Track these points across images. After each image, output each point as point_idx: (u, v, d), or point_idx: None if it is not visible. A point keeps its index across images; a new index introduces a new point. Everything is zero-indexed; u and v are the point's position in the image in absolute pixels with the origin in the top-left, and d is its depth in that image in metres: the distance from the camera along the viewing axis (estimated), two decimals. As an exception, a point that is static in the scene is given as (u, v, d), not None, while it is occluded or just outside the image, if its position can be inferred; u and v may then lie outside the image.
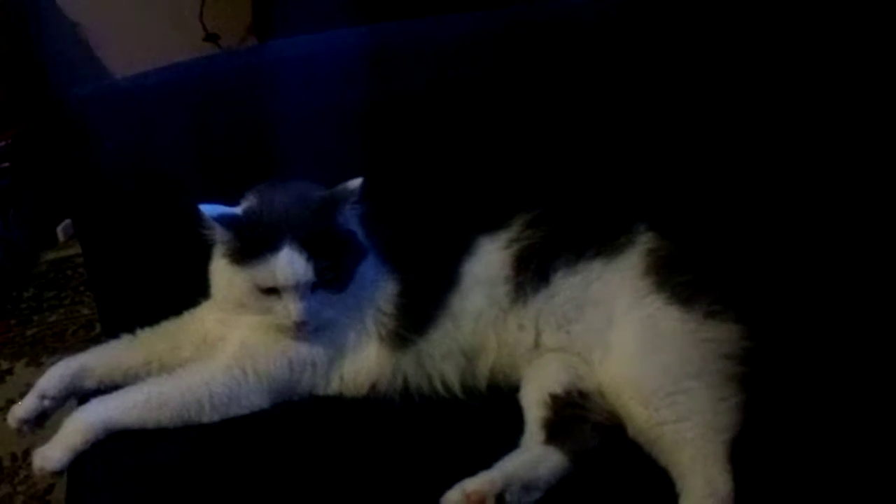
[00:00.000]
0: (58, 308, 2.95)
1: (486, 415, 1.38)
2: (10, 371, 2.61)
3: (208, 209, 1.35)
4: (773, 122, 1.63)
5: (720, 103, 1.64)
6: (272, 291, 1.35)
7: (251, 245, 1.35)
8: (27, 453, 2.23)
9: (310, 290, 1.35)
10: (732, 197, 1.63)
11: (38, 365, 2.61)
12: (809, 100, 1.63)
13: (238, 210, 1.39)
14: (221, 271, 1.40)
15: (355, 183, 1.38)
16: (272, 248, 1.33)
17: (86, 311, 2.90)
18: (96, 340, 2.62)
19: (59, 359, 2.24)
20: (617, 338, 1.37)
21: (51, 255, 3.28)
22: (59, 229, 3.33)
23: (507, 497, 1.20)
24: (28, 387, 2.39)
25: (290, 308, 1.34)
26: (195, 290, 1.49)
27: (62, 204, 3.24)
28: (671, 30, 1.69)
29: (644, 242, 1.44)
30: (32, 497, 2.14)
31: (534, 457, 1.27)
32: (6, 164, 3.05)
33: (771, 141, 1.63)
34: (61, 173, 1.62)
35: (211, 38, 3.54)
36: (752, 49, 1.65)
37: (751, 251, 1.55)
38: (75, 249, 3.21)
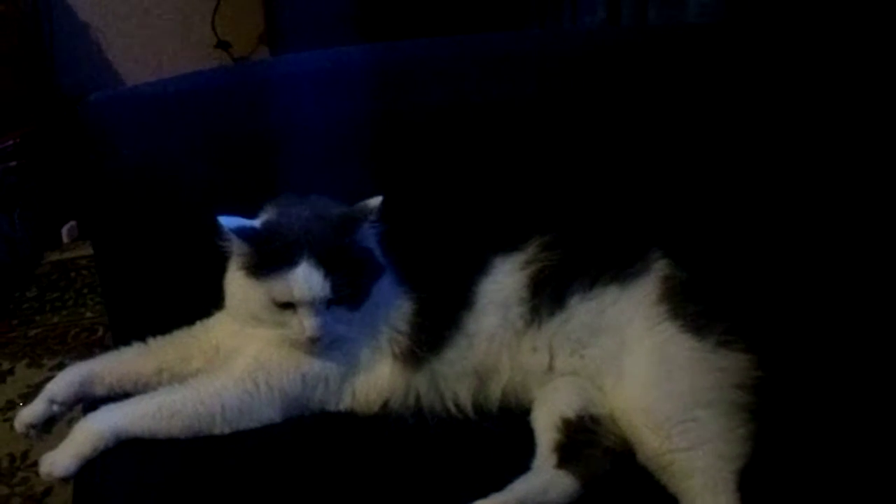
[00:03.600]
0: (60, 310, 2.95)
1: (498, 436, 1.37)
2: (10, 371, 2.60)
3: (227, 221, 1.34)
4: (790, 151, 1.64)
5: (736, 131, 1.65)
6: (287, 306, 1.35)
7: (268, 259, 1.34)
8: (26, 455, 2.22)
9: (325, 306, 1.34)
10: (747, 227, 1.63)
11: (38, 366, 2.61)
12: (827, 130, 1.63)
13: (256, 223, 1.39)
14: (237, 283, 1.40)
15: (375, 201, 1.39)
16: (290, 262, 1.33)
17: (88, 314, 2.90)
18: (98, 343, 2.66)
19: (61, 361, 2.25)
20: (630, 364, 1.37)
21: (54, 257, 3.28)
22: (64, 230, 3.34)
23: (519, 521, 1.21)
24: (29, 388, 2.43)
25: (305, 323, 1.34)
26: (208, 301, 1.49)
27: (68, 205, 3.26)
28: (689, 57, 1.70)
29: (659, 270, 1.44)
30: (30, 499, 2.13)
31: (545, 480, 1.27)
32: (13, 164, 3.06)
33: (787, 171, 1.63)
34: (75, 178, 1.61)
35: (222, 45, 3.56)
36: (771, 75, 1.66)
37: (763, 281, 1.56)
38: (79, 251, 3.24)
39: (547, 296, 1.43)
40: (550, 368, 1.42)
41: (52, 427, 1.44)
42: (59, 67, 3.43)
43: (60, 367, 1.49)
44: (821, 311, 1.54)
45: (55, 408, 1.42)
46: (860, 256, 1.61)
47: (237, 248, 1.38)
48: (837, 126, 1.64)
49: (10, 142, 3.06)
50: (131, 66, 3.48)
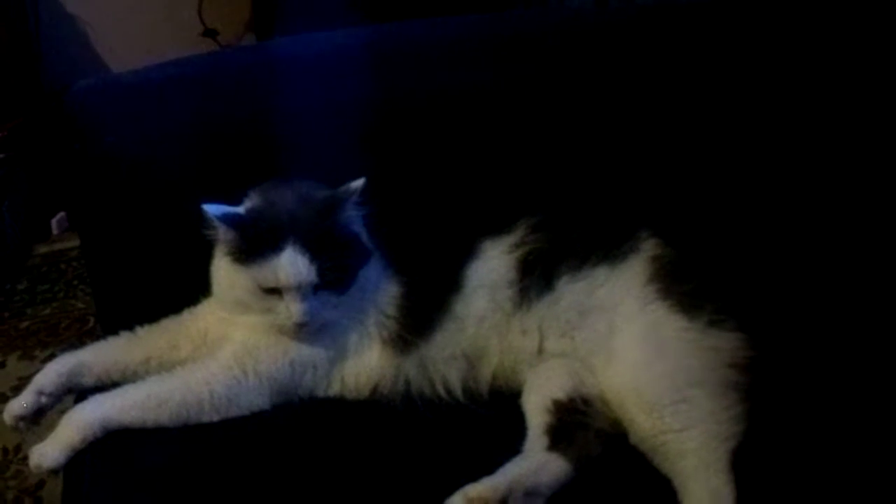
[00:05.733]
0: (51, 301, 2.94)
1: (489, 419, 1.37)
2: (2, 364, 2.60)
3: (211, 209, 1.34)
4: (778, 130, 1.63)
5: (724, 110, 1.64)
6: (274, 291, 1.34)
7: (254, 245, 1.34)
8: (18, 448, 2.22)
9: (312, 290, 1.34)
10: (736, 205, 1.62)
11: (30, 358, 2.61)
12: (814, 108, 1.62)
13: (241, 209, 1.38)
14: (223, 270, 1.39)
15: (358, 183, 1.38)
16: (275, 248, 1.32)
17: (79, 305, 2.90)
18: (90, 334, 2.66)
19: (52, 353, 2.24)
20: (620, 345, 1.36)
21: (44, 248, 3.27)
22: (54, 222, 3.33)
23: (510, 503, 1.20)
24: (20, 380, 2.42)
25: (292, 309, 1.33)
26: (195, 288, 1.48)
27: (57, 197, 3.25)
28: (676, 36, 1.69)
29: (648, 249, 1.43)
30: (24, 492, 2.13)
31: (537, 463, 1.26)
32: (1, 156, 3.04)
33: (774, 149, 1.62)
34: (61, 167, 1.59)
35: (209, 33, 3.54)
36: (758, 55, 1.65)
37: (754, 260, 1.55)
38: (69, 242, 3.22)
39: (536, 277, 1.42)
40: (540, 351, 1.41)
41: (41, 419, 1.43)
42: (46, 59, 3.41)
43: (52, 358, 1.47)
44: (811, 288, 1.53)
45: (44, 399, 1.41)
46: (851, 234, 1.60)
47: (222, 234, 1.37)
48: (828, 106, 1.63)
49: (-1, 134, 3.05)
50: (118, 57, 3.46)
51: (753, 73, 1.64)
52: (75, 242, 3.16)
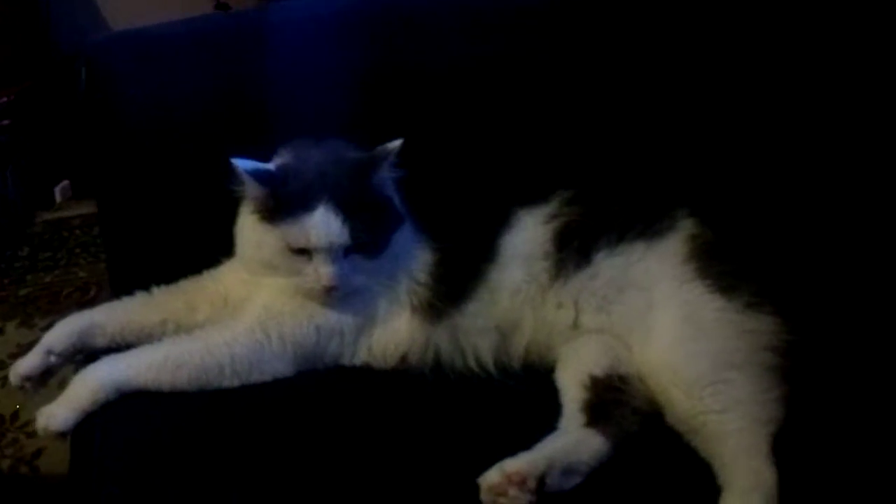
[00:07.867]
0: (52, 269, 2.94)
1: (520, 394, 1.33)
2: (1, 331, 2.59)
3: (242, 163, 1.29)
4: (819, 108, 1.59)
5: (766, 90, 1.60)
6: (303, 252, 1.30)
7: (284, 203, 1.30)
8: (16, 416, 2.20)
9: (342, 253, 1.30)
10: (776, 188, 1.58)
11: (30, 326, 2.60)
12: (850, 87, 1.58)
13: (271, 166, 1.34)
14: (250, 229, 1.35)
15: (394, 144, 1.34)
16: (307, 207, 1.28)
17: (81, 274, 2.89)
18: (91, 303, 2.61)
19: (52, 321, 2.19)
20: (658, 323, 1.32)
21: (47, 216, 3.28)
22: (57, 190, 3.34)
23: (548, 480, 1.15)
24: (19, 347, 2.39)
25: (321, 271, 1.29)
26: (216, 249, 1.44)
27: (61, 164, 3.25)
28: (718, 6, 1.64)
29: (686, 228, 1.40)
30: (20, 461, 2.10)
31: (575, 440, 1.22)
32: (6, 122, 3.05)
33: (817, 129, 1.58)
34: (81, 120, 1.55)
35: (221, 7, 3.51)
36: (797, 25, 1.60)
37: (792, 244, 1.50)
38: (72, 210, 3.25)
39: (572, 250, 1.38)
40: (576, 325, 1.37)
41: (48, 380, 1.40)
42: (55, 25, 3.40)
43: (52, 326, 1.43)
44: (850, 274, 1.49)
45: (52, 359, 1.38)
46: (891, 217, 1.56)
47: (251, 191, 1.33)
48: (861, 83, 1.59)
49: (4, 99, 3.05)
50: (128, 24, 3.41)
51: (793, 44, 1.60)
52: (78, 211, 3.20)
